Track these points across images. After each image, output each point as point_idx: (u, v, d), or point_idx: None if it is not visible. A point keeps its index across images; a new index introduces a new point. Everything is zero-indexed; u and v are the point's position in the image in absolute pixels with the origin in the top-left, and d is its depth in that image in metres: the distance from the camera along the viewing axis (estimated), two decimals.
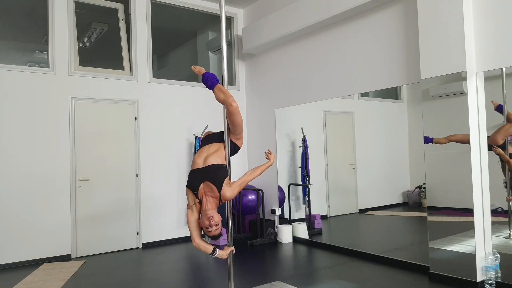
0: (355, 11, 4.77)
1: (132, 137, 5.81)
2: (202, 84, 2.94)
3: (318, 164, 5.75)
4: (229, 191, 2.77)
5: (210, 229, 2.71)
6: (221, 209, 2.87)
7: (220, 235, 2.78)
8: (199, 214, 2.83)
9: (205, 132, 3.35)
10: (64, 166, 5.29)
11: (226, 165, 2.91)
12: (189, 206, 2.82)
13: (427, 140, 3.91)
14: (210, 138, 3.05)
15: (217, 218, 2.72)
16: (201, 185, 2.77)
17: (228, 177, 2.84)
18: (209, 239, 3.00)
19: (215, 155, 2.90)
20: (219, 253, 2.85)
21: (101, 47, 6.28)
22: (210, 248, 2.81)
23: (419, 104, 4.07)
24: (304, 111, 5.86)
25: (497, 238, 3.64)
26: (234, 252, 3.01)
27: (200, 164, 2.86)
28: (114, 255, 5.41)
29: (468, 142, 3.60)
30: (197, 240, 2.80)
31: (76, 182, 5.35)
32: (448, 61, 3.71)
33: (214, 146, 2.97)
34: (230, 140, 2.99)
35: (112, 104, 5.69)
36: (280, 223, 6.15)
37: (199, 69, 3.01)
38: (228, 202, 2.97)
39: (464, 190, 3.64)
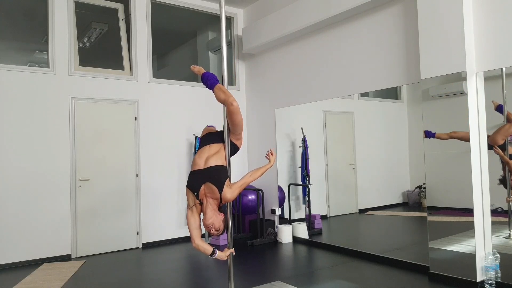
0: (355, 11, 4.77)
1: (132, 137, 5.81)
2: (202, 84, 2.94)
3: (318, 164, 5.75)
4: (230, 192, 2.77)
5: (212, 232, 2.78)
6: (221, 210, 2.88)
7: (223, 232, 2.82)
8: (200, 215, 2.83)
9: (205, 128, 3.33)
10: (64, 166, 5.29)
11: (227, 166, 2.91)
12: (189, 207, 2.82)
13: (429, 134, 3.88)
14: (211, 138, 3.04)
15: (217, 224, 2.75)
16: (202, 186, 2.77)
17: (228, 178, 2.84)
18: (209, 239, 2.99)
19: (216, 156, 2.89)
20: (219, 255, 2.86)
21: (101, 47, 6.28)
22: (209, 249, 2.82)
23: (419, 104, 4.07)
24: (304, 111, 5.86)
25: (497, 238, 3.63)
26: (234, 253, 3.01)
27: (201, 165, 2.85)
28: (114, 255, 5.41)
29: (469, 140, 3.60)
30: (197, 241, 2.80)
31: (76, 182, 5.35)
32: (448, 61, 3.71)
33: (215, 147, 2.96)
34: (230, 140, 2.98)
35: (112, 104, 5.69)
36: (280, 223, 6.15)
37: (199, 69, 3.01)
38: (228, 202, 2.97)
39: (464, 190, 3.64)
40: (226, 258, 2.93)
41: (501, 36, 3.48)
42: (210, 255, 2.82)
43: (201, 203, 2.79)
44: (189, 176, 2.86)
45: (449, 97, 3.77)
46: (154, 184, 5.94)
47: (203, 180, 2.78)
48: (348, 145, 5.39)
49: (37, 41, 5.72)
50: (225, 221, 2.85)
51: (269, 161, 3.08)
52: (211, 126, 3.52)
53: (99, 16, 6.10)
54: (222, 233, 2.82)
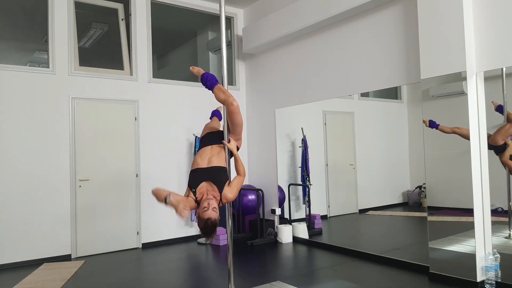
0: (355, 11, 4.77)
1: (132, 137, 5.81)
2: (202, 84, 2.95)
3: (318, 164, 5.75)
4: (229, 191, 2.78)
5: (205, 208, 2.64)
6: (221, 209, 2.87)
7: (213, 227, 2.64)
8: (190, 211, 2.74)
9: (206, 126, 3.31)
10: (64, 166, 5.29)
11: (227, 168, 2.91)
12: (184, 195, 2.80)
13: (433, 124, 3.87)
14: (212, 139, 3.04)
15: (216, 203, 2.68)
16: (203, 183, 2.76)
17: (228, 180, 2.85)
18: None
19: (218, 157, 2.89)
20: (173, 198, 2.70)
21: (101, 47, 6.28)
22: (163, 194, 2.69)
23: (419, 104, 4.07)
24: (304, 111, 5.85)
25: (497, 238, 3.63)
26: (170, 195, 2.72)
27: (202, 164, 2.85)
28: (114, 255, 5.41)
29: (469, 138, 3.60)
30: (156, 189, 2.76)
31: (76, 182, 5.35)
32: (448, 61, 3.70)
33: (216, 148, 2.96)
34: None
35: (112, 104, 5.69)
36: (280, 223, 6.15)
37: (198, 70, 3.02)
38: (228, 202, 2.97)
39: (464, 190, 3.64)
40: (164, 194, 2.72)
41: (501, 36, 3.48)
42: (163, 201, 2.68)
43: (197, 202, 2.73)
44: (190, 174, 2.85)
45: (449, 97, 3.77)
46: (154, 184, 5.93)
47: (204, 177, 2.77)
48: (348, 145, 5.38)
49: (37, 41, 5.71)
50: (219, 221, 2.73)
51: (227, 143, 2.92)
52: (214, 121, 3.44)
53: (99, 16, 6.09)
54: (212, 226, 2.62)
